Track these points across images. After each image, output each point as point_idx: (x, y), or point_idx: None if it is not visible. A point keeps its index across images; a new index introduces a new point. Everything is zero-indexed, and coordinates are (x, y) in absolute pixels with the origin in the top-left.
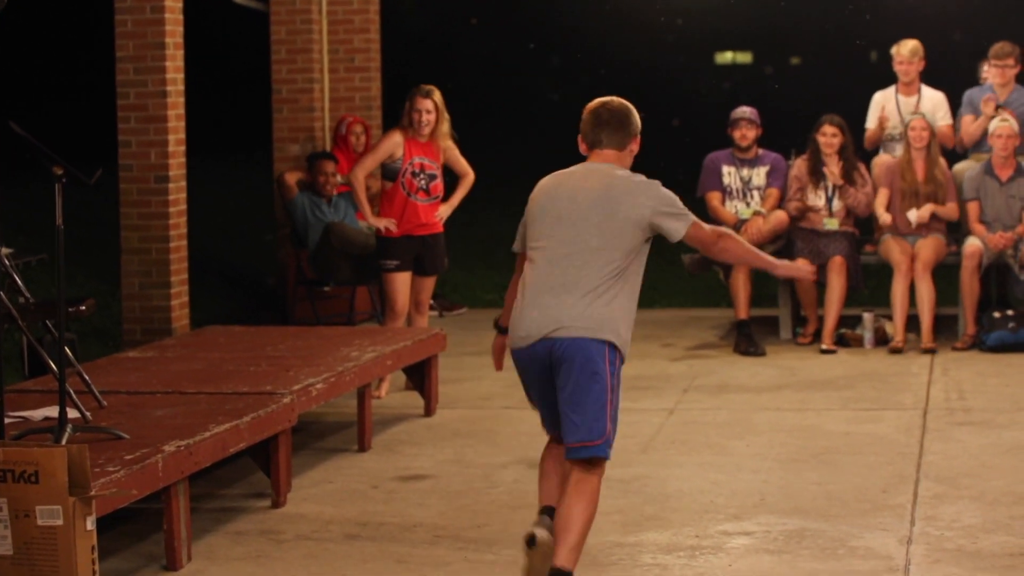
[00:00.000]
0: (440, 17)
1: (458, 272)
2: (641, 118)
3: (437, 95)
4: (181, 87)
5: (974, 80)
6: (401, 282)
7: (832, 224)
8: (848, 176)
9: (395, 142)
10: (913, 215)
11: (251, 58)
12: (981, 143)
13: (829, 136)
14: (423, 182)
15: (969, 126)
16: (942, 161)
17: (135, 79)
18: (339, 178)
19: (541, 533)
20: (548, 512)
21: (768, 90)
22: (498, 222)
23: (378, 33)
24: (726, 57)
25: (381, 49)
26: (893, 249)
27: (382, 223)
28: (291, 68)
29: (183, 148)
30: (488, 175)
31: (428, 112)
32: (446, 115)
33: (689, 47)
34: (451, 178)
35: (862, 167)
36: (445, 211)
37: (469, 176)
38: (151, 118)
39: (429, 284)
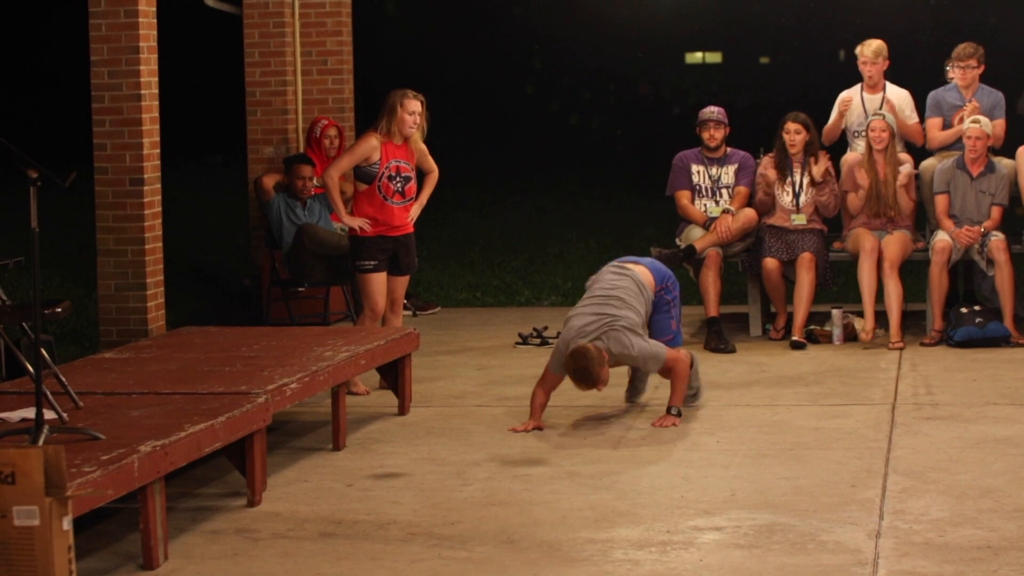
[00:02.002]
0: (414, 20)
1: (431, 271)
2: (605, 122)
3: (422, 98)
4: (155, 90)
5: (941, 79)
6: (379, 282)
7: (800, 220)
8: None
9: (372, 146)
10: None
11: (224, 61)
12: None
13: (792, 133)
14: (399, 185)
15: (937, 132)
16: (902, 158)
17: (110, 83)
18: (315, 181)
19: None
20: None
21: (735, 89)
22: (471, 222)
23: (350, 36)
24: (696, 57)
25: (353, 52)
26: (860, 236)
27: (356, 223)
28: (264, 71)
29: (158, 151)
30: (461, 177)
31: (420, 114)
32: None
33: (660, 48)
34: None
35: (829, 166)
36: (416, 211)
37: (435, 173)
38: (126, 121)
39: (403, 283)
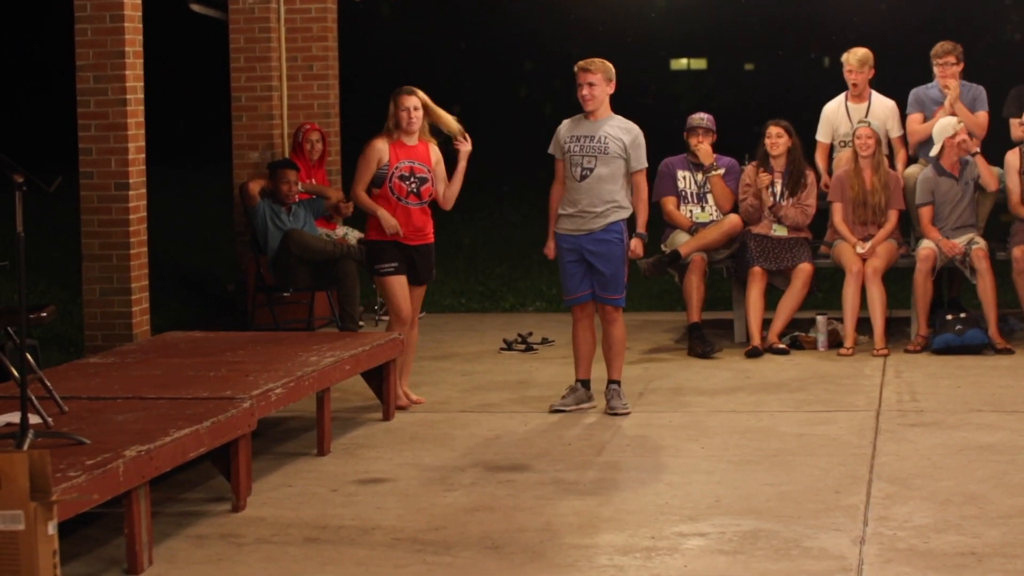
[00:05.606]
0: (407, 23)
1: None
2: None
3: (421, 92)
4: (141, 95)
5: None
6: (401, 286)
7: (781, 230)
8: (794, 183)
9: (378, 149)
10: (860, 249)
11: (210, 66)
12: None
13: (774, 137)
14: (413, 185)
15: (917, 125)
16: (887, 164)
17: (95, 87)
18: (300, 186)
19: None
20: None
21: (721, 95)
22: (457, 230)
23: (336, 41)
24: (681, 63)
25: (345, 56)
26: (845, 252)
27: (390, 223)
28: (250, 76)
29: (143, 155)
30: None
31: (415, 109)
32: (436, 111)
33: (645, 53)
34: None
35: (810, 174)
36: (446, 190)
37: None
38: (111, 126)
39: (420, 293)
